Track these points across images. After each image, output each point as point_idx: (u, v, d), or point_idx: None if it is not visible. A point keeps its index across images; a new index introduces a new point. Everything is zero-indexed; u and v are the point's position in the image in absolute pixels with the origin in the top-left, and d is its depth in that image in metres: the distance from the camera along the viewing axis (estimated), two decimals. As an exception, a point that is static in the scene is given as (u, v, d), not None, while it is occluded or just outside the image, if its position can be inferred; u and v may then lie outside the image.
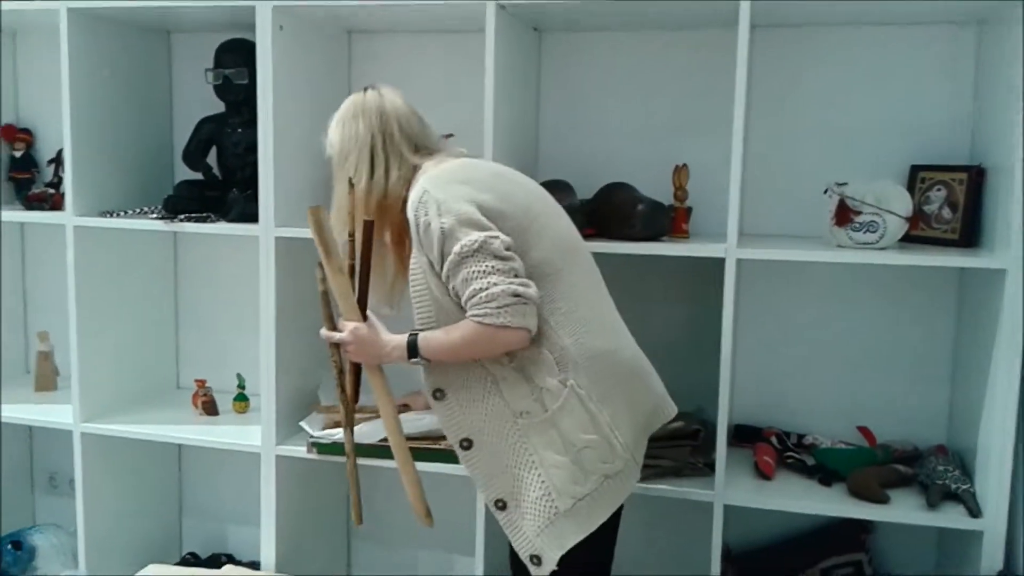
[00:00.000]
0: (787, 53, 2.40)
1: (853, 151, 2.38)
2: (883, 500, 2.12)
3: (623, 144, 2.53)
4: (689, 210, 2.32)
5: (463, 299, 1.69)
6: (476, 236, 1.66)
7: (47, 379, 2.91)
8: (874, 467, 2.22)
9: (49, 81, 2.51)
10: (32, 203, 2.72)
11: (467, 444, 1.80)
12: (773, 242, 2.25)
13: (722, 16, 2.20)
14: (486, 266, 1.65)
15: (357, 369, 1.96)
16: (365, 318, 1.89)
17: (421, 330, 1.77)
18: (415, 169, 1.85)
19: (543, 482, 1.73)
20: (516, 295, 1.64)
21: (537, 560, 1.76)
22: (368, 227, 1.84)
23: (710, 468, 2.20)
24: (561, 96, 2.57)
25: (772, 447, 2.36)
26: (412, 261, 1.79)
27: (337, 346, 1.93)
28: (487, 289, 1.64)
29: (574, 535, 1.73)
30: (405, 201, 1.82)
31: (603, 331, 1.80)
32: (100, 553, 2.71)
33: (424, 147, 1.89)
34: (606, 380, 1.75)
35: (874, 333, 2.43)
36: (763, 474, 2.25)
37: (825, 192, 2.18)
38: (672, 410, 1.93)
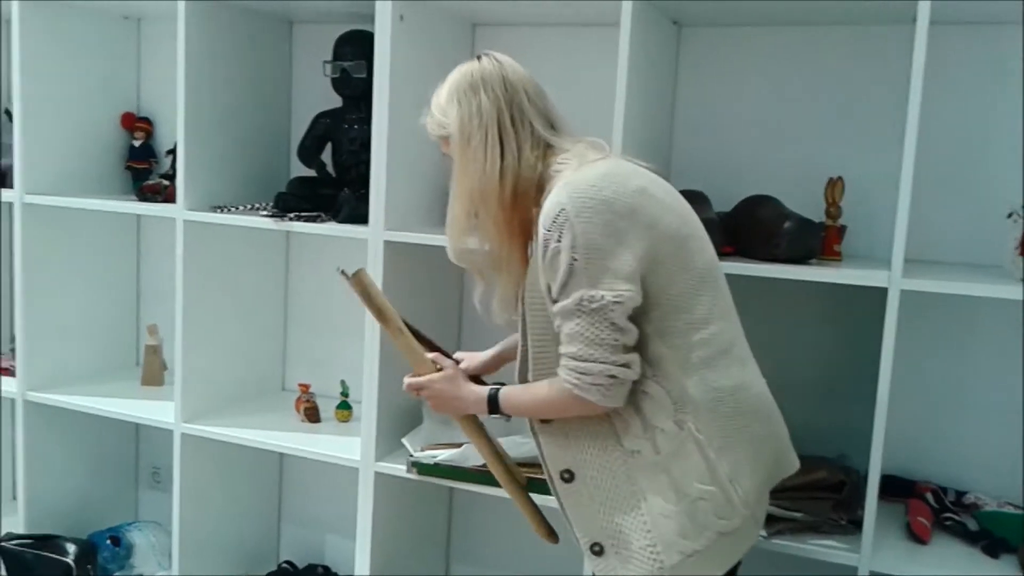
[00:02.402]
0: (965, 51, 2.10)
1: (1043, 168, 2.07)
2: (1063, 580, 1.82)
3: (768, 152, 2.28)
4: (843, 229, 2.06)
5: (561, 347, 1.54)
6: (601, 294, 1.48)
7: (154, 374, 2.87)
8: (1051, 538, 1.92)
9: (171, 70, 2.47)
10: (145, 194, 2.67)
11: (568, 476, 1.62)
12: (943, 271, 1.96)
13: (890, 12, 1.95)
14: (597, 334, 1.49)
15: None
16: (450, 358, 1.85)
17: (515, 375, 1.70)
18: (548, 150, 1.63)
19: (648, 531, 1.54)
20: (612, 376, 1.50)
21: None
22: (358, 282, 1.79)
23: (855, 525, 1.94)
24: (700, 98, 2.34)
25: (927, 505, 2.07)
26: (530, 279, 1.60)
27: None
28: (587, 361, 1.50)
29: None
30: (538, 188, 1.61)
31: (731, 366, 1.58)
32: (196, 555, 2.65)
33: (555, 124, 1.66)
34: (729, 425, 1.55)
35: (1056, 380, 2.11)
36: (917, 537, 1.97)
37: (1009, 216, 1.89)
38: (795, 464, 1.71)
